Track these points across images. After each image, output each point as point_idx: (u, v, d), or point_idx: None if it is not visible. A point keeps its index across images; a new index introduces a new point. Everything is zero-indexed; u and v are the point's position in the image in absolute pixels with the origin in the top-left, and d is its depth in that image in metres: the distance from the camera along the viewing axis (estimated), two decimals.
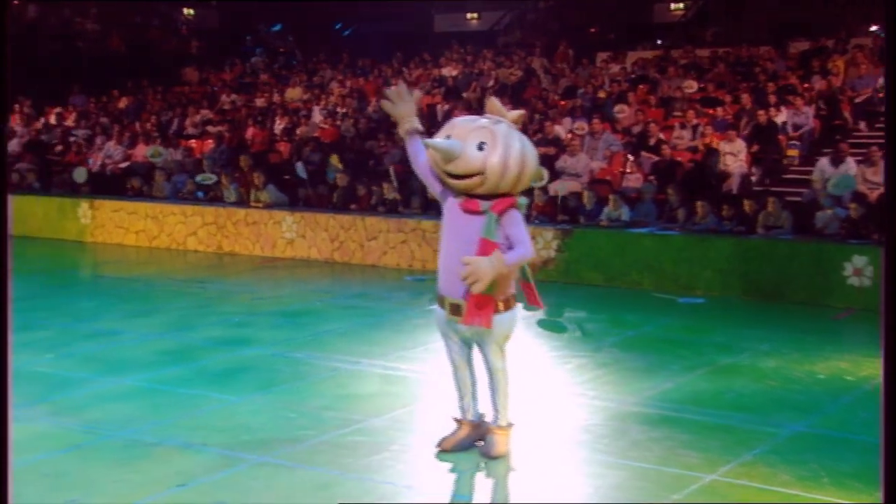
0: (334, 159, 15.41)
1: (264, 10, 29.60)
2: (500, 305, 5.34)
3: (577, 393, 7.17)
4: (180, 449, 5.86)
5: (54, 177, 17.83)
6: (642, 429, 6.32)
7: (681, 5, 25.43)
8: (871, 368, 7.93)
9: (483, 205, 5.23)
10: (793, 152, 14.77)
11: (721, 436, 6.17)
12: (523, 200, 5.40)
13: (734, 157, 14.13)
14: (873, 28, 20.31)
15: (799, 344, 8.86)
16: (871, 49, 17.73)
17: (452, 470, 5.53)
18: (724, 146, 14.24)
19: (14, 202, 16.71)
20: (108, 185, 17.13)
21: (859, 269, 10.50)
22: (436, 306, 5.61)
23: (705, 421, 6.50)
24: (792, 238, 11.21)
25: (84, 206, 16.09)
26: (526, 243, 5.26)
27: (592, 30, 25.87)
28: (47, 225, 16.31)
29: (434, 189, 5.62)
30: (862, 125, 15.26)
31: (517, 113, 5.51)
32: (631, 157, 14.40)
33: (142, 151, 18.73)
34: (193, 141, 19.44)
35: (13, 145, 19.33)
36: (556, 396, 7.10)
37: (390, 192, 13.83)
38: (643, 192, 12.61)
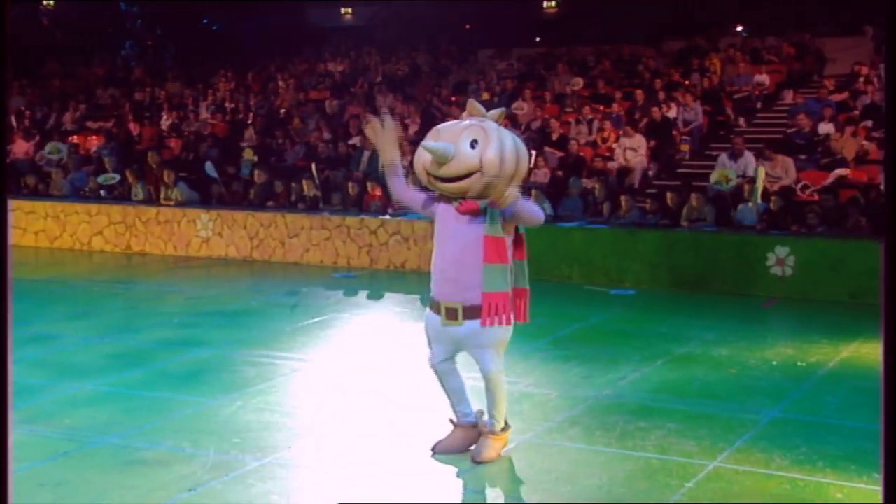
0: (248, 153, 15.14)
1: (128, 3, 29.05)
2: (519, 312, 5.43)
3: (551, 386, 7.27)
4: (173, 453, 5.70)
5: None
6: (628, 419, 6.45)
7: (553, 3, 25.95)
8: (818, 354, 8.33)
9: (482, 202, 5.12)
10: (685, 147, 15.29)
11: (706, 424, 6.35)
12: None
13: (634, 151, 14.53)
14: (739, 28, 21.26)
15: (742, 332, 9.20)
16: (743, 48, 18.50)
17: (459, 469, 5.55)
18: (624, 141, 14.62)
19: None
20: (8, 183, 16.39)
21: (782, 259, 10.97)
22: (427, 311, 5.47)
23: (685, 409, 6.69)
24: (716, 230, 11.63)
25: None
26: (537, 208, 5.34)
27: (468, 26, 26.10)
28: None
29: (420, 206, 5.53)
30: (741, 121, 15.86)
31: (498, 111, 5.42)
32: (534, 153, 14.64)
33: (22, 148, 18.05)
34: (75, 137, 18.83)
35: None
36: (532, 390, 7.18)
37: (311, 188, 13.69)
38: (571, 188, 12.83)
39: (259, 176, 14.32)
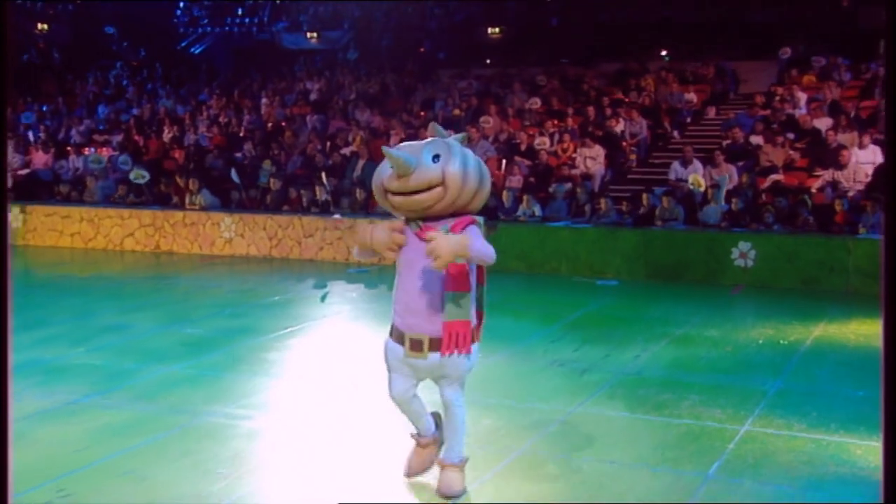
0: (266, 163, 15.03)
1: (114, 24, 28.96)
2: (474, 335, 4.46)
3: (577, 364, 7.33)
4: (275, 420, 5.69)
5: None
6: (655, 391, 6.55)
7: (497, 29, 26.11)
8: (795, 334, 8.52)
9: (441, 227, 4.26)
10: (633, 156, 15.52)
11: (723, 394, 6.47)
12: (481, 219, 4.42)
13: (594, 160, 14.71)
14: (663, 53, 21.66)
15: (723, 316, 9.40)
16: (670, 70, 18.87)
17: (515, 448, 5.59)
18: (584, 151, 14.78)
19: None
20: (33, 192, 16.10)
21: (744, 252, 11.19)
22: (388, 340, 4.54)
23: (700, 383, 6.81)
24: (686, 228, 11.82)
25: (15, 211, 15.04)
26: (489, 247, 4.24)
27: (422, 49, 26.14)
28: None
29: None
30: (675, 133, 16.19)
31: (460, 136, 4.60)
32: (504, 161, 14.78)
33: (41, 159, 17.75)
34: (85, 149, 18.51)
35: None
36: (562, 368, 7.24)
37: (322, 194, 13.64)
38: (556, 192, 12.94)
39: (274, 183, 14.23)
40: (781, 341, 8.24)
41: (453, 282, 4.27)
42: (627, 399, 6.37)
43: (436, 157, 4.26)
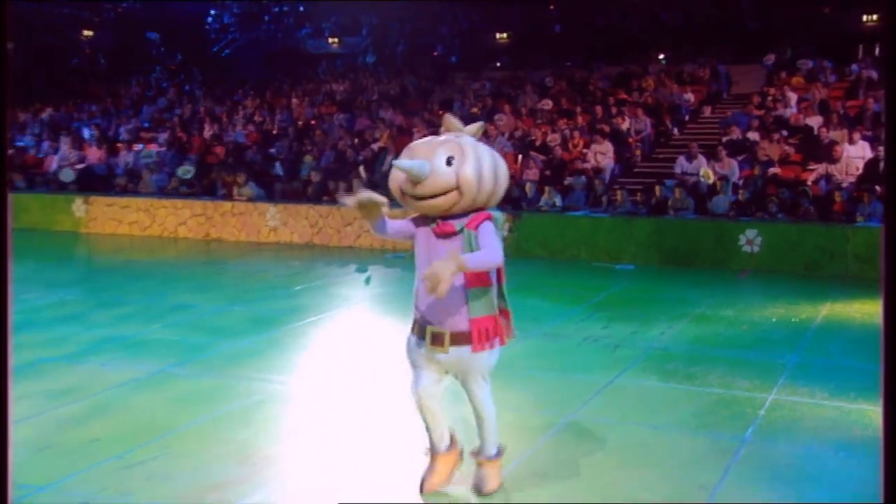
0: (308, 158, 15.13)
1: (155, 29, 29.23)
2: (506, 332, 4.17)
3: (608, 340, 7.40)
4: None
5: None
6: (683, 364, 6.62)
7: (504, 35, 26.17)
8: (804, 313, 8.57)
9: (458, 224, 3.96)
10: (637, 152, 15.56)
11: (747, 367, 6.55)
12: (499, 214, 4.13)
13: (604, 155, 14.75)
14: (661, 56, 21.66)
15: (734, 297, 9.44)
16: (668, 72, 18.90)
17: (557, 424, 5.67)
18: (595, 147, 14.82)
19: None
20: (91, 185, 16.21)
21: (751, 239, 11.23)
22: (410, 336, 4.18)
23: (724, 356, 6.87)
24: (696, 218, 11.87)
25: (78, 202, 15.18)
26: (492, 248, 3.90)
27: (434, 53, 26.19)
28: (43, 218, 15.28)
29: (408, 234, 4.14)
30: (675, 130, 16.22)
31: (475, 126, 4.19)
32: (520, 156, 14.86)
33: (95, 155, 17.85)
34: (133, 145, 18.61)
35: None
36: (594, 344, 7.32)
37: (359, 186, 13.71)
38: (574, 184, 13.00)
39: (315, 176, 14.32)
40: (793, 319, 8.30)
41: (474, 278, 3.96)
42: (659, 371, 6.45)
43: (450, 160, 3.88)
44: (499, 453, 4.29)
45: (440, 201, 3.90)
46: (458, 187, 3.87)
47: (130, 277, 10.55)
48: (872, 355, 6.79)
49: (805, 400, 5.74)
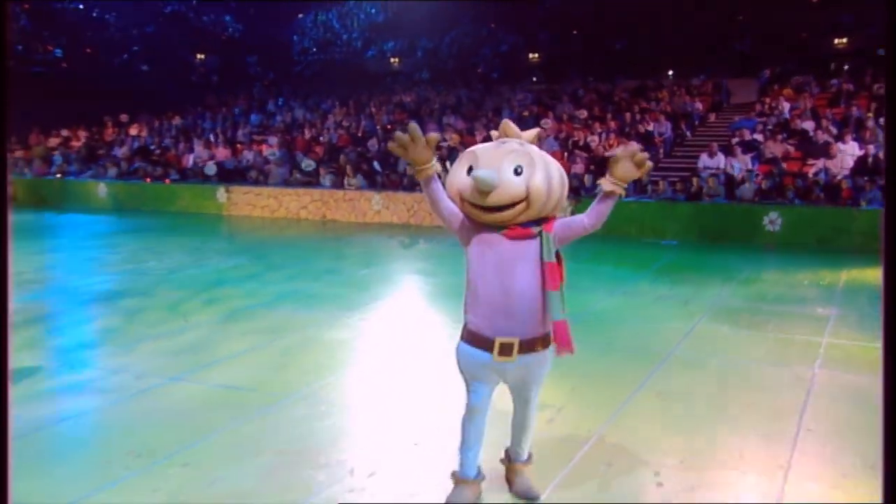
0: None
1: (251, 53, 30.01)
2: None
3: (677, 297, 7.55)
4: None
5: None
6: (745, 316, 6.78)
7: (536, 55, 26.16)
8: (828, 277, 8.67)
9: (534, 228, 3.18)
10: (661, 151, 15.60)
11: (797, 318, 6.69)
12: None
13: None
14: (669, 72, 21.57)
15: (767, 265, 9.56)
16: (678, 85, 18.91)
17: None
18: None
19: (164, 188, 16.20)
20: (229, 176, 16.69)
21: (773, 220, 11.32)
22: (463, 346, 3.25)
23: (775, 309, 7.02)
24: (727, 202, 11.96)
25: (221, 190, 15.66)
26: (579, 222, 3.31)
27: (479, 70, 26.28)
28: (193, 203, 15.81)
29: (457, 226, 3.27)
30: (688, 133, 16.29)
31: (533, 132, 3.36)
32: (566, 154, 15.00)
33: (223, 153, 18.30)
34: (252, 145, 19.01)
35: (125, 150, 18.86)
36: (665, 300, 7.48)
37: (444, 176, 13.96)
38: None
39: (409, 169, 14.55)
40: (820, 283, 8.41)
41: (552, 280, 3.15)
42: (727, 321, 6.62)
43: (517, 169, 3.10)
44: (530, 457, 3.54)
45: (506, 214, 3.11)
46: (526, 198, 3.10)
47: (279, 248, 10.93)
48: None
49: (854, 343, 5.90)
